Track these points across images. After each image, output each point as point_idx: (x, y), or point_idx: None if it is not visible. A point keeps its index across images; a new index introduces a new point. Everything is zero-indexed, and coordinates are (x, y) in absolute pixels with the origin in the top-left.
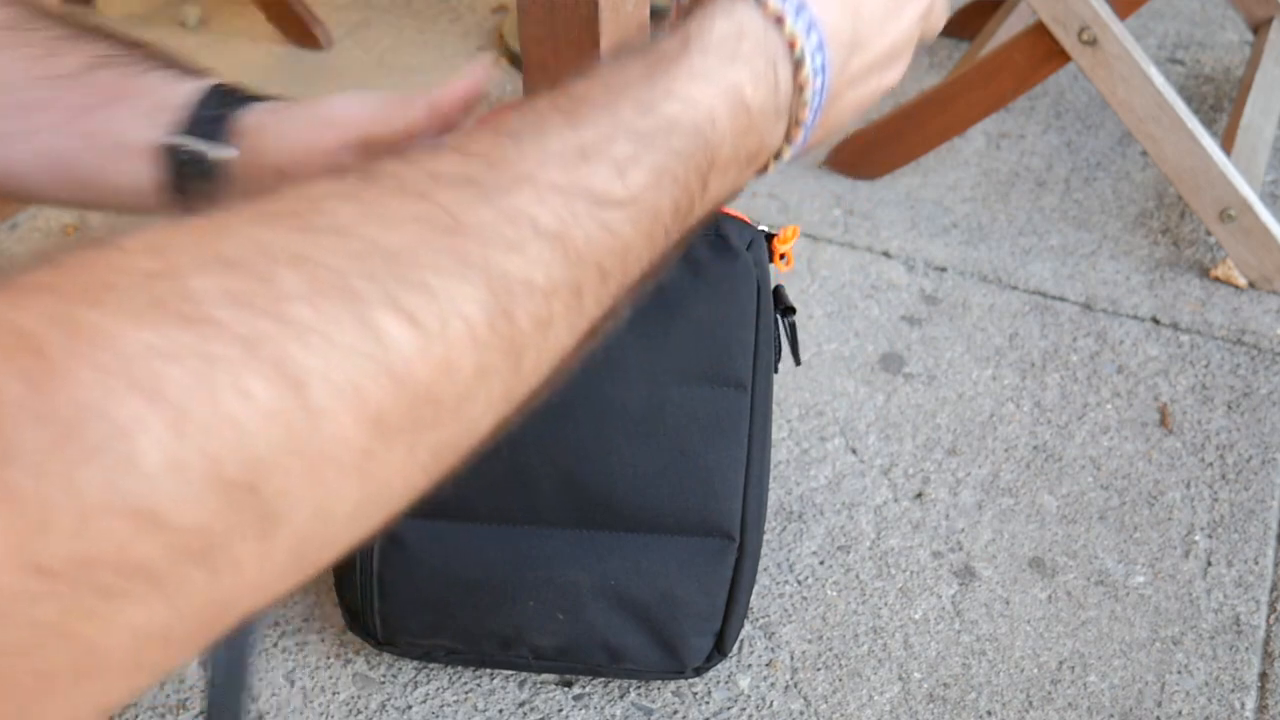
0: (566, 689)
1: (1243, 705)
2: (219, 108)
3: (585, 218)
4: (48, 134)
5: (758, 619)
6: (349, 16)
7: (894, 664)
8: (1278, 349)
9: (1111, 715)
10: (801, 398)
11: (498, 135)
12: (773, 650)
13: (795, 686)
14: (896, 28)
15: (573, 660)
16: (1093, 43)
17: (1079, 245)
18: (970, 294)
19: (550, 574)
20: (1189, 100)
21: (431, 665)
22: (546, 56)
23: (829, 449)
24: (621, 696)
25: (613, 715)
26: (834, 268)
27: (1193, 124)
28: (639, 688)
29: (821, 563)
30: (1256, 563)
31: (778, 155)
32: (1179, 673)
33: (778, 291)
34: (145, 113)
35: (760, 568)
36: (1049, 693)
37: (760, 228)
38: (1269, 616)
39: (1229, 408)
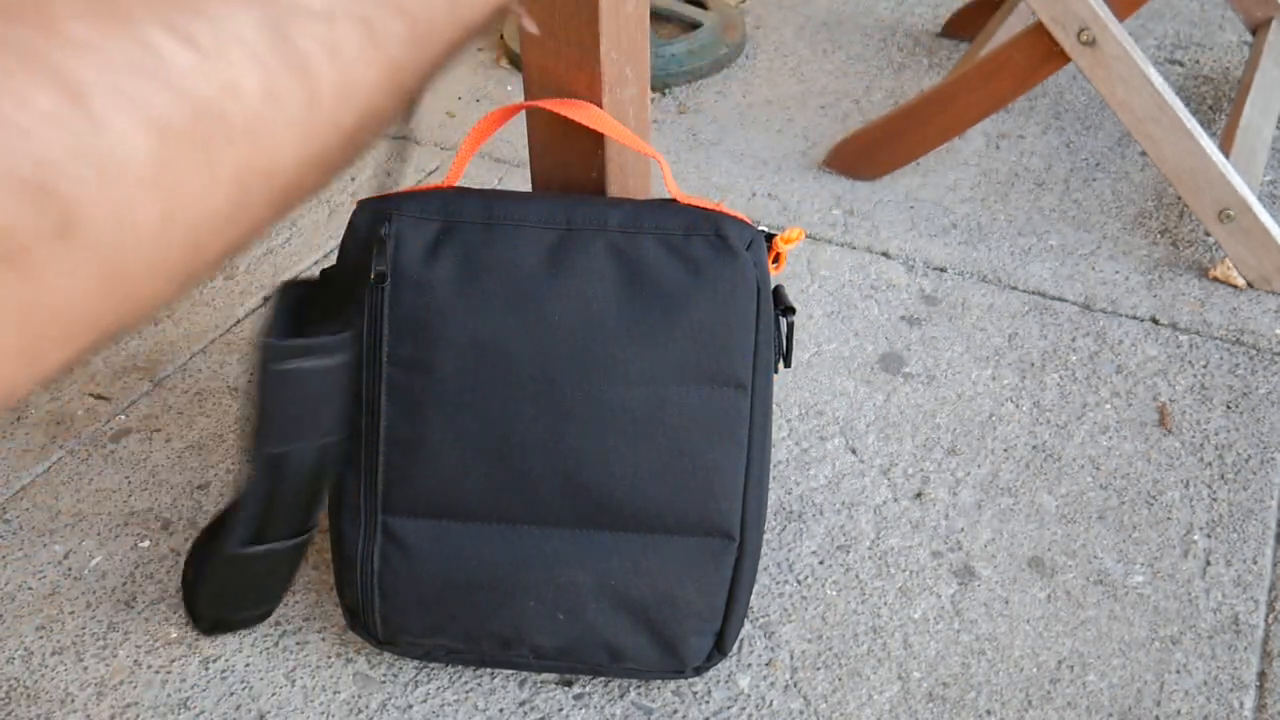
0: (567, 688)
1: (1241, 704)
2: None
3: None
4: None
5: (758, 619)
6: None
7: (894, 663)
8: (1276, 349)
9: (1110, 714)
10: (801, 398)
11: None
12: (773, 650)
13: (795, 686)
14: None
15: (573, 660)
16: (1092, 43)
17: (1078, 245)
18: (970, 294)
19: (551, 574)
20: (1188, 101)
21: (432, 665)
22: (546, 56)
23: (829, 449)
24: (621, 696)
25: (613, 715)
26: (834, 268)
27: (1191, 124)
28: (639, 687)
29: (821, 562)
30: (1255, 562)
31: None
32: (1178, 672)
33: (778, 291)
34: None
35: (760, 568)
36: (1048, 692)
37: (760, 228)
38: (1268, 616)
39: (1228, 408)
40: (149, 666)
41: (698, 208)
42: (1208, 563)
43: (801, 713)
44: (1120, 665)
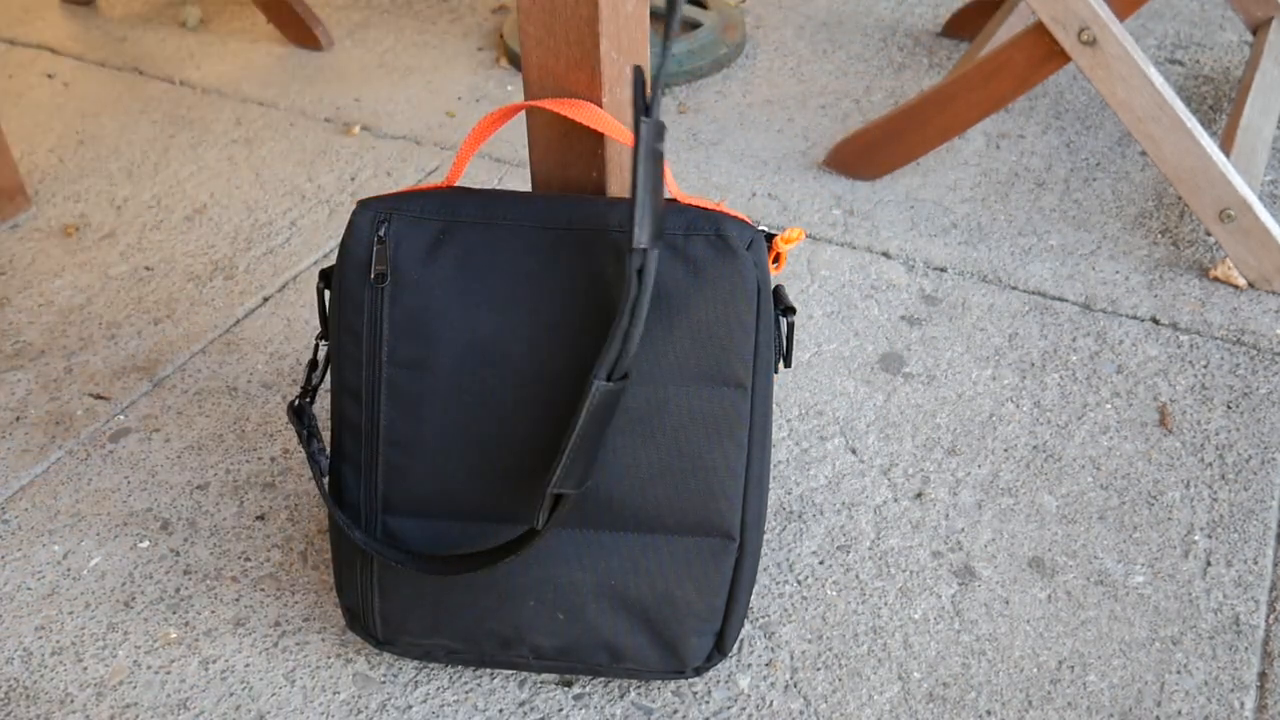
0: (567, 689)
1: (1242, 705)
2: None
3: None
4: None
5: (758, 619)
6: (349, 16)
7: (894, 664)
8: (1277, 349)
9: (1111, 715)
10: (801, 398)
11: None
12: (773, 650)
13: (795, 686)
14: None
15: (573, 660)
16: (1092, 43)
17: (1078, 245)
18: (970, 294)
19: (550, 574)
20: (1188, 101)
21: (432, 665)
22: (546, 56)
23: (829, 449)
24: (621, 696)
25: (613, 715)
26: (834, 268)
27: (1192, 124)
28: (639, 687)
29: (821, 563)
30: (1256, 562)
31: None
32: (1178, 672)
33: (778, 291)
34: None
35: (760, 568)
36: (1048, 692)
37: (760, 228)
38: (1268, 616)
39: (1228, 408)
40: (148, 667)
41: (698, 207)
42: (1208, 563)
43: (801, 713)
44: (1121, 665)
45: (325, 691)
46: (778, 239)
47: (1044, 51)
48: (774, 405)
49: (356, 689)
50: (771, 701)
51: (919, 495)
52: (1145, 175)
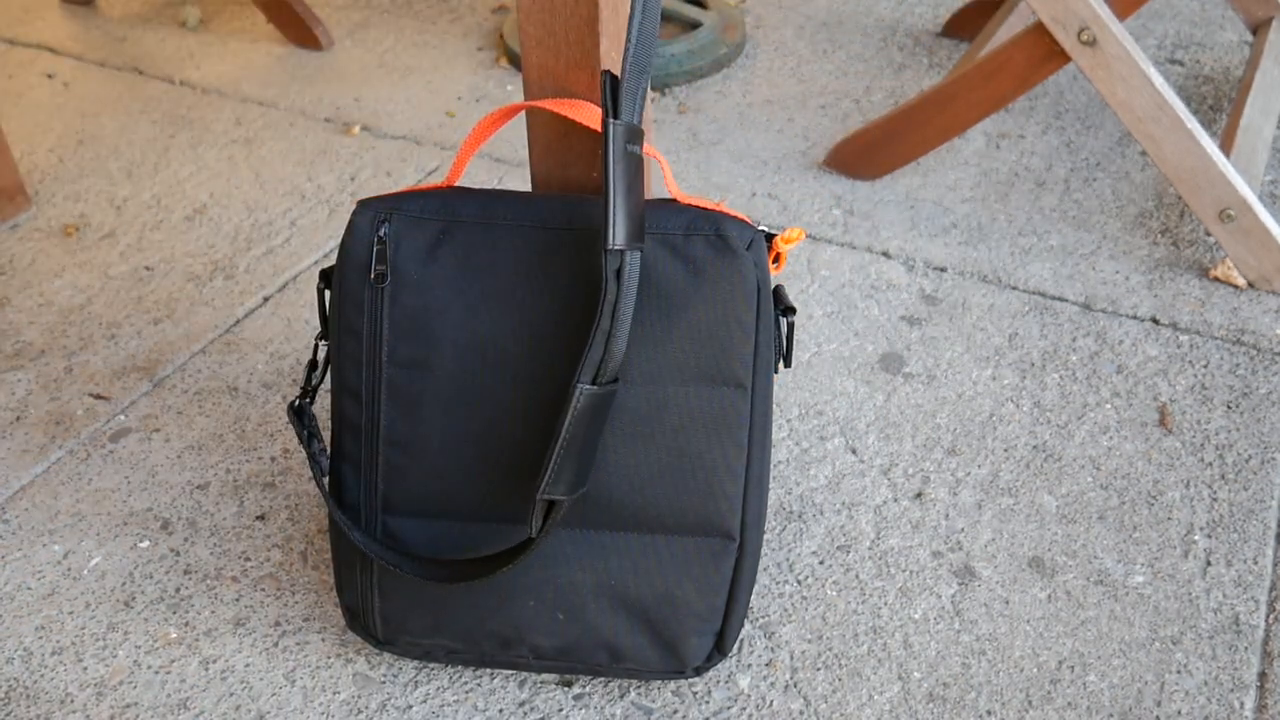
0: (567, 689)
1: (1242, 705)
2: None
3: None
4: None
5: (758, 619)
6: (349, 17)
7: (894, 663)
8: (1277, 349)
9: (1111, 715)
10: (801, 398)
11: None
12: (773, 650)
13: (795, 686)
14: None
15: (573, 660)
16: (1092, 43)
17: (1079, 245)
18: (970, 294)
19: (550, 574)
20: (1188, 100)
21: (432, 665)
22: (546, 56)
23: (829, 449)
24: (621, 696)
25: (613, 715)
26: (834, 268)
27: (1192, 124)
28: (639, 687)
29: (821, 563)
30: (1256, 562)
31: None
32: (1178, 672)
33: (778, 291)
34: None
35: (760, 568)
36: (1048, 692)
37: (760, 227)
38: (1268, 616)
39: (1228, 408)
40: (148, 667)
41: (698, 207)
42: (1208, 563)
43: (801, 713)
44: (1120, 665)
45: (325, 691)
46: (778, 239)
47: (1044, 51)
48: (774, 405)
49: (356, 689)
50: (771, 701)
51: (919, 495)
52: (1145, 175)
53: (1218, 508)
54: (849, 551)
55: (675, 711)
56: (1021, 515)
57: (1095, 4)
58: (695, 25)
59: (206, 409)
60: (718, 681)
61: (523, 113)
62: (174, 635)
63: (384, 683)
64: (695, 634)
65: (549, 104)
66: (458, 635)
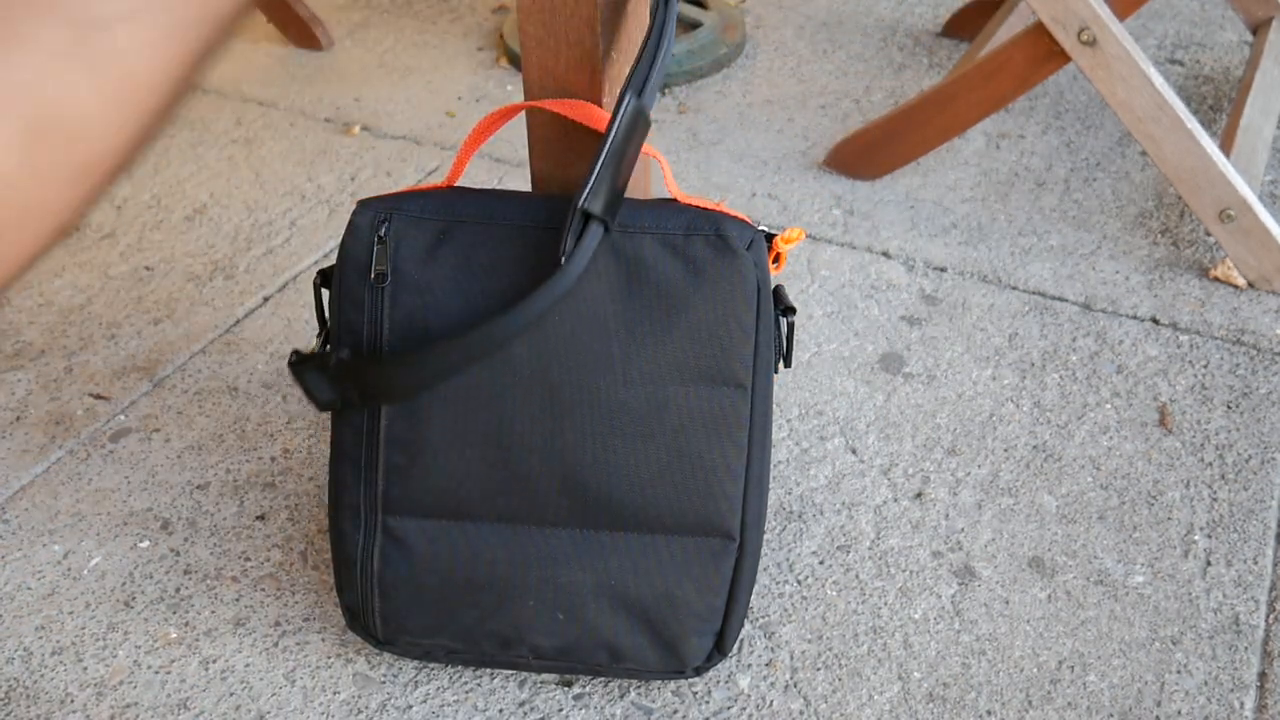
0: (566, 689)
1: (1242, 705)
2: None
3: None
4: None
5: (758, 619)
6: (349, 17)
7: (894, 664)
8: (1277, 349)
9: (1111, 715)
10: (801, 398)
11: None
12: (773, 650)
13: (795, 686)
14: None
15: (573, 660)
16: (1092, 43)
17: (1078, 245)
18: (970, 294)
19: (550, 574)
20: (1188, 100)
21: (432, 665)
22: (546, 56)
23: (829, 449)
24: (621, 696)
25: (613, 715)
26: (834, 268)
27: (1192, 124)
28: (639, 687)
29: (821, 563)
30: (1256, 562)
31: None
32: (1178, 672)
33: (778, 291)
34: None
35: (760, 568)
36: (1048, 692)
37: (760, 227)
38: (1268, 616)
39: (1228, 408)
40: (148, 667)
41: (698, 207)
42: (1208, 563)
43: (801, 713)
44: (1120, 665)
45: (325, 691)
46: (778, 239)
47: (1044, 51)
48: (774, 405)
49: (356, 689)
50: (771, 701)
51: (919, 495)
52: (1145, 175)
53: (1218, 508)
54: (849, 551)
55: (675, 711)
56: (1021, 515)
57: (1095, 4)
58: (695, 25)
59: (206, 409)
60: (718, 681)
61: (523, 113)
62: (174, 635)
63: (384, 683)
64: (695, 634)
65: (549, 104)
66: (458, 635)
